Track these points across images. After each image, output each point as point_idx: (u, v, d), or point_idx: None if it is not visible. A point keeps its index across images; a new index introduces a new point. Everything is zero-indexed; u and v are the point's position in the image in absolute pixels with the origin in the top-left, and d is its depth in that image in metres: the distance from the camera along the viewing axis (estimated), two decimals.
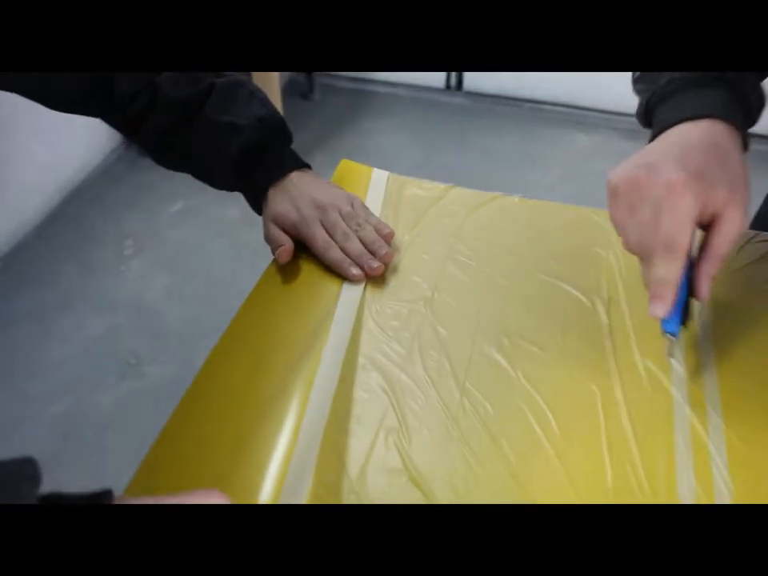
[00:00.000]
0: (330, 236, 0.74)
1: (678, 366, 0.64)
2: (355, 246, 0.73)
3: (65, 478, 1.23)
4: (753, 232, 0.78)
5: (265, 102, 0.78)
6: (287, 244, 0.74)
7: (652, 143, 0.62)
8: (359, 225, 0.75)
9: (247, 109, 0.76)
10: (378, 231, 0.75)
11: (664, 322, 0.60)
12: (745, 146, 0.61)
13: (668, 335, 0.61)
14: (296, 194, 0.76)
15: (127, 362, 1.77)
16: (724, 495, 0.54)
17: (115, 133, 2.32)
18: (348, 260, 0.72)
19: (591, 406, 0.61)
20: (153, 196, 2.24)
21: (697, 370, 0.64)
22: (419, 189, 0.85)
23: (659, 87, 0.65)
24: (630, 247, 0.61)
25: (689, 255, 0.58)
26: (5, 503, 0.32)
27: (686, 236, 0.56)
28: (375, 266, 0.72)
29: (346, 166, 0.90)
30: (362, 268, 0.72)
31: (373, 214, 0.78)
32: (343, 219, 0.75)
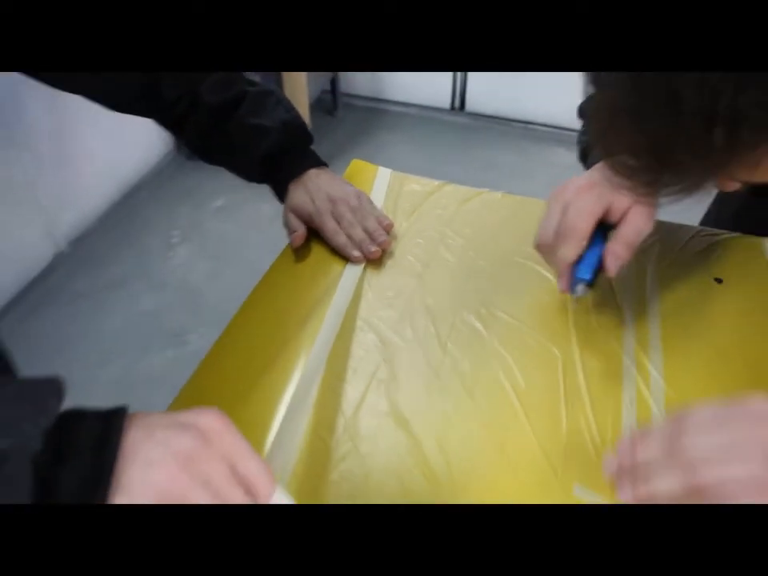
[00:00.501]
0: (338, 224, 0.74)
1: (630, 337, 0.64)
2: (358, 233, 0.73)
3: None
4: (698, 228, 0.78)
5: (289, 108, 0.78)
6: (300, 230, 0.74)
7: None
8: (364, 216, 0.75)
9: (274, 114, 0.76)
10: (379, 222, 0.75)
11: (576, 272, 0.61)
12: None
13: (578, 283, 0.61)
14: (312, 189, 0.76)
15: (172, 332, 1.79)
16: None
17: (168, 138, 2.35)
18: (351, 244, 0.73)
19: (553, 366, 0.61)
20: (198, 193, 2.25)
21: (646, 341, 0.64)
22: (417, 184, 0.86)
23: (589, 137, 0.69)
24: (538, 243, 0.63)
25: (588, 242, 0.60)
26: (30, 413, 0.33)
27: (584, 224, 0.60)
28: (373, 249, 0.72)
29: (356, 165, 0.91)
30: (362, 251, 0.72)
31: (376, 208, 0.78)
32: (351, 211, 0.75)
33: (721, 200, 0.89)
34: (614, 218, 0.61)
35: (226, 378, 0.60)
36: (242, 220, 2.15)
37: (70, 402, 0.36)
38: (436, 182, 0.86)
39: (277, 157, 0.77)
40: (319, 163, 0.80)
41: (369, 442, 0.55)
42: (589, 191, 0.60)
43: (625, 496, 0.46)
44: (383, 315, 0.66)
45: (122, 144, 2.16)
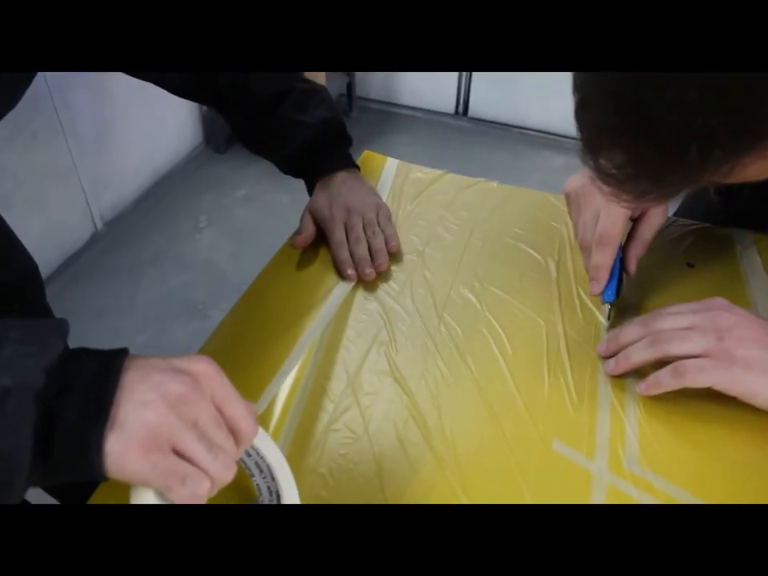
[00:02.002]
0: (347, 236, 0.68)
1: (606, 310, 0.64)
2: (360, 250, 0.67)
3: None
4: (673, 218, 0.77)
5: (332, 107, 0.74)
6: (306, 233, 0.70)
7: None
8: (374, 232, 0.68)
9: (316, 111, 0.73)
10: (386, 242, 0.68)
11: (603, 294, 0.62)
12: None
13: (605, 304, 0.62)
14: (335, 194, 0.71)
15: (196, 307, 1.79)
16: (634, 398, 0.54)
17: (198, 132, 2.35)
18: (350, 261, 0.66)
19: (538, 334, 0.61)
20: (224, 183, 2.24)
21: (623, 315, 0.64)
22: (420, 173, 0.86)
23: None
24: (580, 245, 0.64)
25: (619, 246, 0.61)
26: (34, 351, 0.32)
27: (616, 232, 0.61)
28: (368, 272, 0.66)
29: (367, 155, 0.91)
30: (356, 271, 0.66)
31: (391, 225, 0.71)
32: (363, 224, 0.69)
33: (691, 197, 0.88)
34: (633, 215, 0.62)
35: (237, 342, 0.61)
36: (262, 208, 2.15)
37: None
38: (438, 172, 0.85)
39: (311, 152, 0.73)
40: (349, 165, 0.75)
41: (369, 397, 0.55)
42: None
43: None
44: (386, 286, 0.66)
45: (157, 135, 2.15)
